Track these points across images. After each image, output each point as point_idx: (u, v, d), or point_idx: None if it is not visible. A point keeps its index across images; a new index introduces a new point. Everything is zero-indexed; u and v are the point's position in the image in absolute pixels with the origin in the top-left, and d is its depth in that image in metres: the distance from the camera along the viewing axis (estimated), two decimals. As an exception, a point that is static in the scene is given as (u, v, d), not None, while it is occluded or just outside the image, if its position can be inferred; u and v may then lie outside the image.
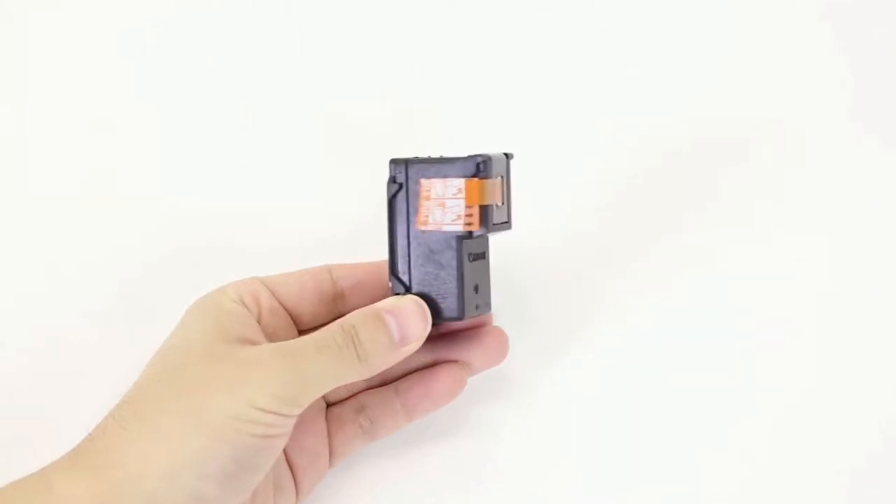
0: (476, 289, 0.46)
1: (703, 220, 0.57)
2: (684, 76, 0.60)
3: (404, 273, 0.45)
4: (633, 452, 0.51)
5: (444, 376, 0.47)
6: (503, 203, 0.46)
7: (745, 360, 0.53)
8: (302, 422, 0.47)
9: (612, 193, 0.58)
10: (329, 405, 0.49)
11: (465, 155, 0.44)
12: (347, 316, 0.43)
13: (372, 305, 0.44)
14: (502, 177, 0.46)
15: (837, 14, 0.61)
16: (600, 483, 0.50)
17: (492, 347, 0.48)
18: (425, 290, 0.45)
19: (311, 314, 0.47)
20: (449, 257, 0.45)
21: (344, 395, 0.49)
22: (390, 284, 0.46)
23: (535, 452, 0.51)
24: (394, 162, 0.45)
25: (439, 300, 0.45)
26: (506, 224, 0.46)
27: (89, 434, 0.41)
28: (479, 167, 0.44)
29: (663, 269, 0.56)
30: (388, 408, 0.48)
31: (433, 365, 0.48)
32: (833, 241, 0.56)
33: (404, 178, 0.45)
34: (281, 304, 0.47)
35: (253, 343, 0.43)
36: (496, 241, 0.47)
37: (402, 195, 0.45)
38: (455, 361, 0.48)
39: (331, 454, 0.48)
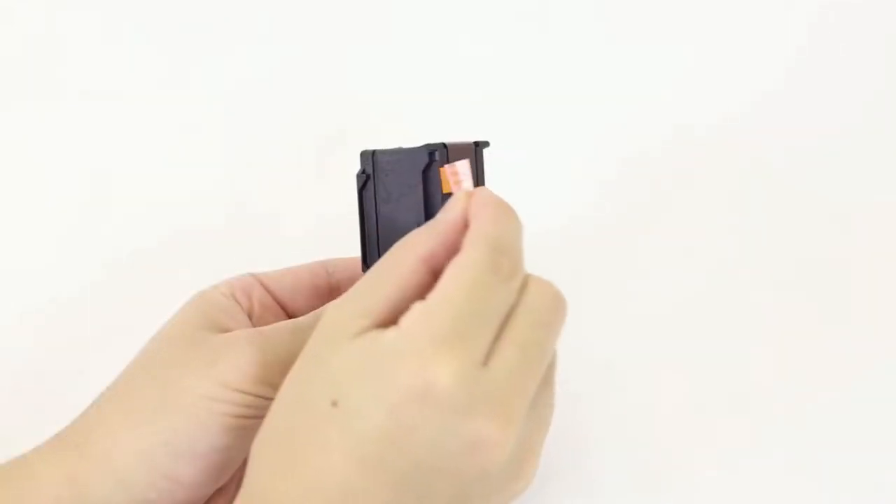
0: None
1: (704, 217, 0.58)
2: (680, 73, 0.61)
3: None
4: (633, 453, 0.51)
5: None
6: None
7: (746, 360, 0.53)
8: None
9: (613, 193, 0.59)
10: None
11: (421, 145, 0.44)
12: (324, 305, 0.44)
13: None
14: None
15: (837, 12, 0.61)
16: (601, 482, 0.50)
17: None
18: None
19: (306, 309, 0.46)
20: None
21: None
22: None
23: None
24: (363, 154, 0.46)
25: None
26: None
27: (73, 420, 0.42)
28: (432, 156, 0.44)
29: (663, 265, 0.56)
30: None
31: None
32: (833, 238, 0.56)
33: (371, 169, 0.45)
34: (276, 299, 0.47)
35: None
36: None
37: (370, 186, 0.45)
38: None
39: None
